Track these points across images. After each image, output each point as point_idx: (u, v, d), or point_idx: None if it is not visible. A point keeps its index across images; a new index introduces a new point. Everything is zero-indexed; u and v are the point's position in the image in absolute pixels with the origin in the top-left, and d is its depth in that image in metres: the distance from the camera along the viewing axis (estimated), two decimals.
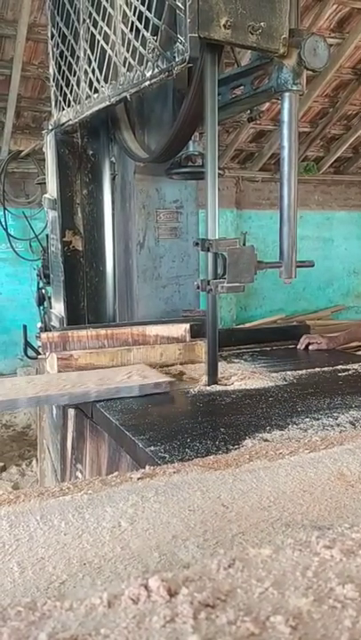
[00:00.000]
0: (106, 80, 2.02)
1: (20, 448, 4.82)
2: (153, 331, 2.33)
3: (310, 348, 2.56)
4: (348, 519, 0.95)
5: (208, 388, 1.97)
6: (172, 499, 1.04)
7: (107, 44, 1.99)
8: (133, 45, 1.79)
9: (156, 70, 1.69)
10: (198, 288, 1.88)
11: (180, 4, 1.55)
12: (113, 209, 2.78)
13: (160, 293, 2.79)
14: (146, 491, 1.07)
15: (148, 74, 1.73)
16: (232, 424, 1.58)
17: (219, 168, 1.88)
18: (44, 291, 3.28)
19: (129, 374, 1.97)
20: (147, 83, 1.76)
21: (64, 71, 2.45)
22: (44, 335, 2.17)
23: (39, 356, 3.13)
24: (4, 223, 6.21)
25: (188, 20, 1.53)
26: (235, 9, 1.58)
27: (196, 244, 1.90)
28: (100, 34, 2.05)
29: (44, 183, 2.94)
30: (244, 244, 1.81)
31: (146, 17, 1.71)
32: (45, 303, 3.26)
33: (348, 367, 2.23)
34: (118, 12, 1.88)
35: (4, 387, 1.92)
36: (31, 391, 1.84)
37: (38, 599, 0.70)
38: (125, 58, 1.86)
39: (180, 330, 2.32)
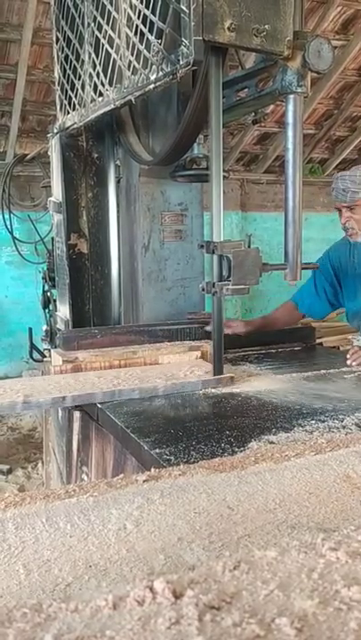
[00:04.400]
0: (110, 83, 2.03)
1: (25, 451, 4.84)
2: (165, 359, 2.28)
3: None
4: (353, 521, 0.94)
5: (214, 390, 1.97)
6: (177, 501, 1.04)
7: (111, 47, 2.00)
8: (138, 49, 1.79)
9: (161, 73, 1.69)
10: (203, 290, 1.88)
11: (184, 8, 1.55)
12: (118, 212, 2.79)
13: (165, 296, 2.78)
14: (151, 493, 1.07)
15: (153, 77, 1.73)
16: (237, 426, 1.58)
17: (223, 170, 1.88)
18: (49, 293, 3.27)
19: (191, 369, 2.05)
20: (151, 86, 1.76)
21: (69, 75, 2.46)
22: (57, 369, 2.14)
23: (44, 359, 3.13)
24: (9, 226, 6.24)
25: (193, 24, 1.53)
26: (239, 12, 1.58)
27: (201, 246, 1.90)
28: (104, 37, 2.05)
29: (50, 186, 2.94)
30: (249, 246, 1.81)
31: (150, 20, 1.71)
32: (51, 306, 3.26)
33: (353, 369, 2.24)
34: (123, 16, 1.88)
35: (78, 380, 1.96)
36: (105, 385, 1.89)
37: (44, 601, 0.70)
38: (130, 61, 1.86)
39: (192, 357, 2.30)
